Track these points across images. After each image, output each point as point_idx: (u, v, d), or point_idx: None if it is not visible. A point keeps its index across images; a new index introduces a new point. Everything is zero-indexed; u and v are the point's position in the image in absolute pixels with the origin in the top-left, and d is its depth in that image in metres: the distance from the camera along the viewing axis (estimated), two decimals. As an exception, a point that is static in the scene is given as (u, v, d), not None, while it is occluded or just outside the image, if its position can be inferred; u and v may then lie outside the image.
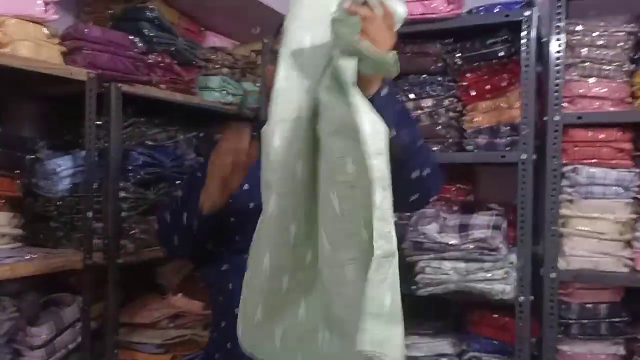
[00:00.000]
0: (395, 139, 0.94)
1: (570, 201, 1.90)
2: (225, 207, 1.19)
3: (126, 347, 2.03)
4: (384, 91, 0.94)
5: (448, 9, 2.00)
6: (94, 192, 1.81)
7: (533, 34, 1.89)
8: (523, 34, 1.90)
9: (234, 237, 1.25)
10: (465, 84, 2.09)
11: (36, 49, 1.54)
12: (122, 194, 1.87)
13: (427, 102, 2.14)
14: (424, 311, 2.12)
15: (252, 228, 1.03)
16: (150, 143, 2.19)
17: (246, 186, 1.24)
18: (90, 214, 1.72)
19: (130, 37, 1.86)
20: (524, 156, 1.90)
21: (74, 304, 1.83)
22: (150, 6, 2.05)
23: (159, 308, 2.15)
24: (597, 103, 1.90)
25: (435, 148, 2.07)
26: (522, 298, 1.89)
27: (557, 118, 1.87)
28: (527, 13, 1.89)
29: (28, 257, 1.56)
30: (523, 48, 1.90)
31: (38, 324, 1.72)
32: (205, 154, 1.52)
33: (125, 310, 2.12)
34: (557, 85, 1.88)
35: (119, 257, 1.83)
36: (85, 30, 1.71)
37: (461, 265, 1.95)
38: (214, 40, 2.57)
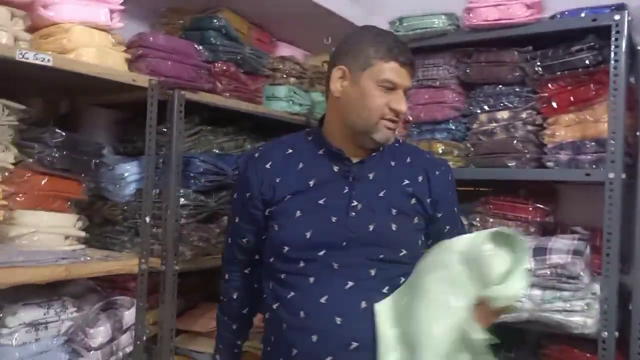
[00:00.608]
0: None
1: (666, 227, 1.68)
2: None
3: (183, 355, 2.03)
4: None
5: (527, 14, 1.86)
6: (155, 197, 1.82)
7: (624, 40, 1.70)
8: (612, 40, 1.71)
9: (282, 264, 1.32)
10: (546, 95, 1.92)
11: (101, 56, 1.57)
12: (182, 201, 1.87)
13: (503, 114, 1.99)
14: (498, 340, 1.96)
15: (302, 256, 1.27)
16: (217, 151, 2.20)
17: (298, 213, 1.29)
18: (148, 219, 1.73)
19: (195, 46, 1.87)
20: (611, 175, 1.70)
21: (133, 307, 1.85)
22: (219, 16, 2.06)
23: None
24: (701, 117, 1.67)
25: (511, 163, 1.92)
26: (605, 333, 1.68)
27: (651, 133, 1.67)
28: (617, 17, 1.71)
29: (82, 259, 1.58)
30: (612, 56, 1.72)
31: (97, 326, 1.75)
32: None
33: (184, 317, 2.13)
34: (652, 96, 1.68)
35: (176, 263, 1.83)
36: (150, 38, 1.73)
37: (536, 292, 1.79)
38: (285, 50, 2.56)
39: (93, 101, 2.01)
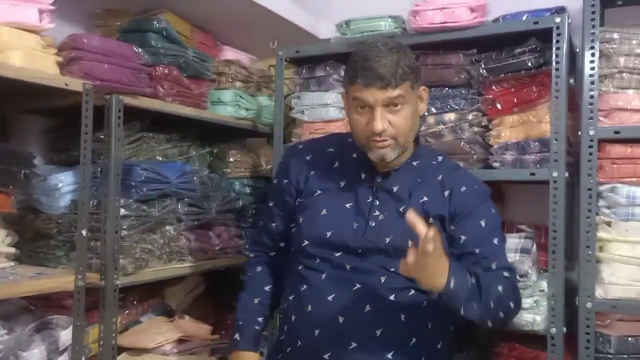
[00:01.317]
0: (466, 314, 1.20)
1: (608, 223, 1.72)
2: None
3: (127, 374, 1.92)
4: (450, 285, 1.14)
5: (471, 17, 1.87)
6: (92, 209, 1.72)
7: (565, 42, 1.73)
8: (554, 42, 1.74)
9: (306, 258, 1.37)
10: (490, 97, 1.94)
11: (29, 59, 1.47)
12: (122, 211, 1.78)
13: (450, 116, 1.99)
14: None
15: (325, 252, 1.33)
16: (160, 159, 2.11)
17: (324, 211, 1.35)
18: (84, 232, 1.63)
19: (134, 48, 1.78)
20: (555, 174, 1.73)
21: (71, 327, 1.73)
22: (160, 17, 1.98)
23: (163, 332, 2.03)
24: (637, 117, 1.72)
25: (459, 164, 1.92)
26: (554, 330, 1.71)
27: (592, 132, 1.71)
28: (558, 20, 1.75)
29: (11, 277, 1.47)
30: (554, 58, 1.75)
31: (30, 348, 1.63)
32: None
33: (127, 333, 2.03)
34: (591, 97, 1.72)
35: (117, 277, 1.73)
36: (84, 39, 1.63)
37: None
38: (230, 54, 2.50)
39: (23, 108, 1.88)
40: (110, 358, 1.77)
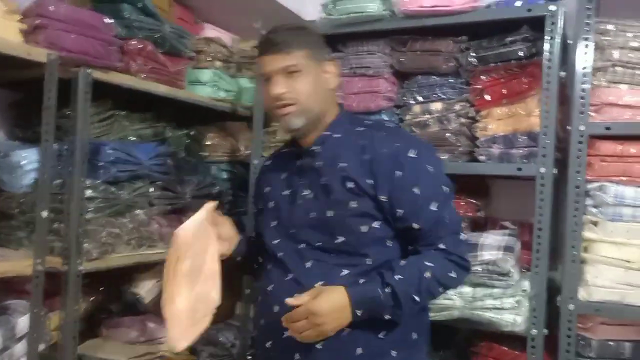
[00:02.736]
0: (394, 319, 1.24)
1: (595, 223, 1.66)
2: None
3: (89, 363, 1.84)
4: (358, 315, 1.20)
5: (463, 2, 1.79)
6: (55, 189, 1.62)
7: (558, 32, 1.66)
8: (547, 31, 1.67)
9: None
10: (479, 87, 1.87)
11: (-12, 24, 1.36)
12: (88, 193, 1.68)
13: (437, 106, 1.92)
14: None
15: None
16: (133, 139, 2.01)
17: (271, 204, 1.41)
18: (45, 214, 1.53)
19: (104, 19, 1.67)
20: (542, 169, 1.67)
21: (29, 313, 1.64)
22: (135, -12, 1.87)
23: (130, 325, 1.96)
24: (629, 113, 1.66)
25: (444, 157, 1.85)
26: (534, 331, 1.66)
27: (582, 128, 1.64)
28: (552, 8, 1.67)
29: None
30: (546, 48, 1.68)
31: (-16, 335, 1.53)
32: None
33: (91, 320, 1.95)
34: (583, 91, 1.65)
35: (80, 263, 1.64)
36: (50, 7, 1.51)
37: (467, 290, 1.74)
38: (211, 32, 2.39)
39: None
40: (71, 347, 1.69)
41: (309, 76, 1.32)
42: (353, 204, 1.27)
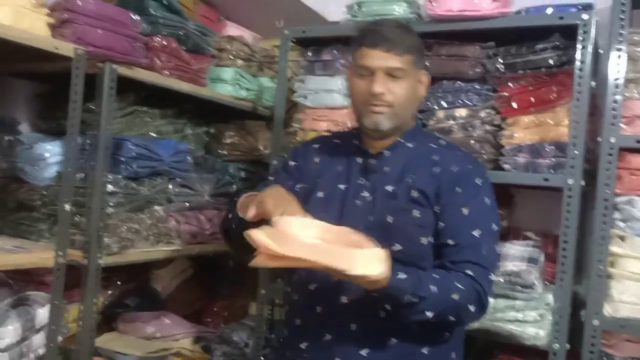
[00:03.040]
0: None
1: (622, 238, 1.63)
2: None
3: (104, 356, 1.84)
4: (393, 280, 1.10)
5: (493, 7, 1.75)
6: (78, 183, 1.62)
7: (590, 41, 1.63)
8: (579, 40, 1.64)
9: None
10: (506, 94, 1.83)
11: (18, 17, 1.35)
12: (109, 187, 1.68)
13: (461, 112, 1.89)
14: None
15: None
16: (153, 135, 2.01)
17: (320, 194, 1.35)
18: (68, 207, 1.53)
19: (131, 14, 1.67)
20: (570, 181, 1.63)
21: (49, 305, 1.64)
22: (161, -16, 1.87)
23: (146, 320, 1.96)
24: (660, 126, 1.62)
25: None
26: (557, 346, 1.62)
27: (612, 140, 1.61)
28: (585, 17, 1.64)
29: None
30: (578, 57, 1.64)
31: (5, 324, 1.54)
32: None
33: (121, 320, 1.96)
34: (615, 102, 1.61)
35: (100, 256, 1.64)
36: (79, 1, 1.51)
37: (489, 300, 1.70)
38: (234, 31, 2.38)
39: (10, 70, 1.77)
40: (89, 339, 1.69)
41: (409, 82, 1.30)
42: (416, 213, 1.26)
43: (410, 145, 1.36)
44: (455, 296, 1.18)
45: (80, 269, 1.65)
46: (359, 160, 1.37)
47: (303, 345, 1.29)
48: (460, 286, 1.19)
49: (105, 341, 1.89)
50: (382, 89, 1.26)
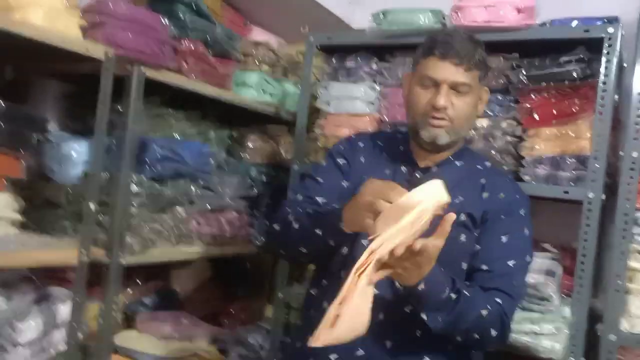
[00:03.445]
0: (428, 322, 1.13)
1: (641, 252, 1.61)
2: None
3: (123, 355, 1.87)
4: (421, 286, 1.08)
5: (518, 19, 1.76)
6: (103, 182, 1.66)
7: (615, 54, 1.62)
8: (604, 53, 1.63)
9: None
10: (528, 105, 1.83)
11: (51, 18, 1.39)
12: (134, 188, 1.72)
13: (483, 122, 1.89)
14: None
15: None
16: (177, 137, 2.04)
17: None
18: (93, 206, 1.57)
19: (161, 19, 1.71)
20: (591, 194, 1.63)
21: (70, 301, 1.68)
22: (190, -11, 1.90)
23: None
24: (683, 142, 1.61)
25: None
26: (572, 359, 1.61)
27: (635, 155, 1.60)
28: (610, 30, 1.64)
29: (13, 247, 1.41)
30: (602, 70, 1.64)
31: (27, 319, 1.57)
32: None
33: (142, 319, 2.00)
34: (638, 116, 1.61)
35: (122, 255, 1.67)
36: (110, 4, 1.55)
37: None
38: (259, 35, 2.41)
39: (42, 70, 1.82)
40: (109, 336, 1.72)
41: (472, 99, 1.28)
42: (462, 238, 1.25)
43: (458, 163, 1.35)
44: (484, 312, 1.17)
45: (101, 267, 1.68)
46: (404, 169, 1.35)
47: (332, 357, 1.24)
48: (489, 307, 1.18)
49: (124, 339, 1.92)
50: (447, 103, 1.24)
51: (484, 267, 1.24)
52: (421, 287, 1.08)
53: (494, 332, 1.19)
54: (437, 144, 1.29)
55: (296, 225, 1.27)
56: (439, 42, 1.26)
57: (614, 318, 1.59)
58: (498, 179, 1.36)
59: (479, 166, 1.38)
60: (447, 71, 1.24)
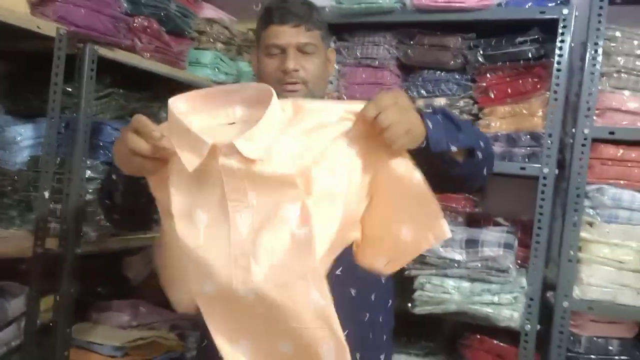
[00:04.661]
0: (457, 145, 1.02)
1: (591, 224, 1.71)
2: None
3: (79, 347, 1.79)
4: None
5: (477, 0, 1.79)
6: (55, 168, 1.56)
7: (569, 35, 1.69)
8: (559, 34, 1.70)
9: None
10: (484, 84, 1.89)
11: (-5, -7, 1.28)
12: (88, 174, 1.63)
13: (440, 101, 1.93)
14: (414, 329, 1.94)
15: None
16: (129, 118, 1.95)
17: None
18: (47, 194, 1.47)
19: (114, -6, 1.61)
20: (546, 170, 1.71)
21: (22, 295, 1.59)
22: (141, -37, 1.79)
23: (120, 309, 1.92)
24: (630, 118, 1.71)
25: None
26: (529, 327, 1.70)
27: (586, 131, 1.68)
28: (565, 11, 1.70)
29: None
30: (557, 51, 1.70)
31: (-25, 316, 1.48)
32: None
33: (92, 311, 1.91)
34: (590, 95, 1.69)
35: (78, 245, 1.59)
36: (61, -21, 1.44)
37: (465, 284, 1.77)
38: (210, 12, 2.32)
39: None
40: (65, 330, 1.64)
41: (320, 58, 1.27)
42: None
43: None
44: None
45: (51, 256, 1.59)
46: None
47: None
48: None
49: (79, 332, 1.83)
50: (297, 65, 1.22)
51: None
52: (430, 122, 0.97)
53: (492, 150, 1.17)
54: None
55: (105, 183, 1.17)
56: (274, 9, 1.25)
57: (567, 286, 1.68)
58: None
59: None
60: (288, 35, 1.23)
